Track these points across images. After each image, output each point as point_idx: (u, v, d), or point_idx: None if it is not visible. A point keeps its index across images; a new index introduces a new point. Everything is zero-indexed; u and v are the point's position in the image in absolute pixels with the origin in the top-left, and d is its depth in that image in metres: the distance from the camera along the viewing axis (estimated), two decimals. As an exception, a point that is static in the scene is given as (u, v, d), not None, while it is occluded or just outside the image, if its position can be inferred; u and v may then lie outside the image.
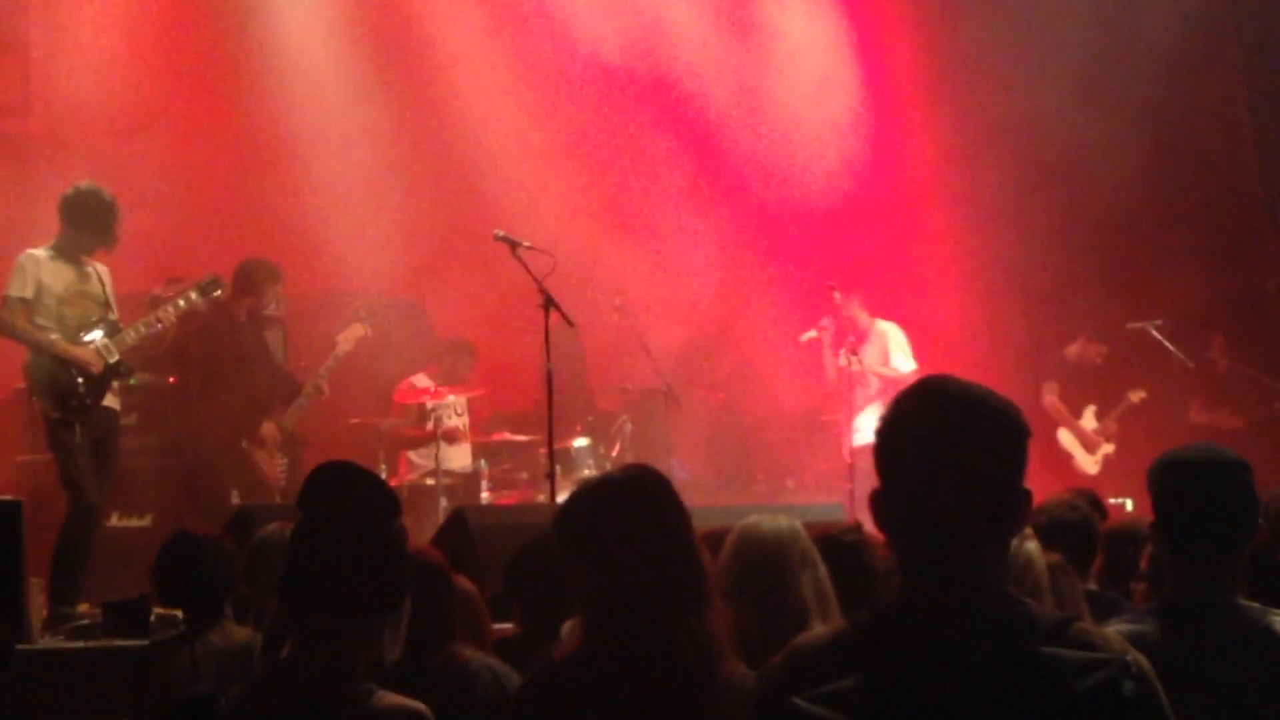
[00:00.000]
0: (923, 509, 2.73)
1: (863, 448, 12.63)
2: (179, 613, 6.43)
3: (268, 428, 11.48)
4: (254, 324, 11.71)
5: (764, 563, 4.57)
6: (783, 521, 4.83)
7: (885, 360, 12.91)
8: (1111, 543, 6.29)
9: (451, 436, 13.19)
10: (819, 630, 2.87)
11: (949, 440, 2.73)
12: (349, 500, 3.62)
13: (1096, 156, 14.55)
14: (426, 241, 14.32)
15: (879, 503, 2.80)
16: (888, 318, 13.35)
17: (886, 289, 14.38)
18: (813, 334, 13.02)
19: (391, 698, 3.54)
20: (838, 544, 5.18)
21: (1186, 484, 4.05)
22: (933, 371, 2.96)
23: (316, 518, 3.62)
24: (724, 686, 3.50)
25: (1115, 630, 3.72)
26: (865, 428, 12.69)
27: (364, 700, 3.51)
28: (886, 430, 2.81)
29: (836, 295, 12.68)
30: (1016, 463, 2.77)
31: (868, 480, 11.27)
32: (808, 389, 13.63)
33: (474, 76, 14.71)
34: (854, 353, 12.46)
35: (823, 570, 4.65)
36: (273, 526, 6.38)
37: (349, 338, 11.96)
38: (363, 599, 3.55)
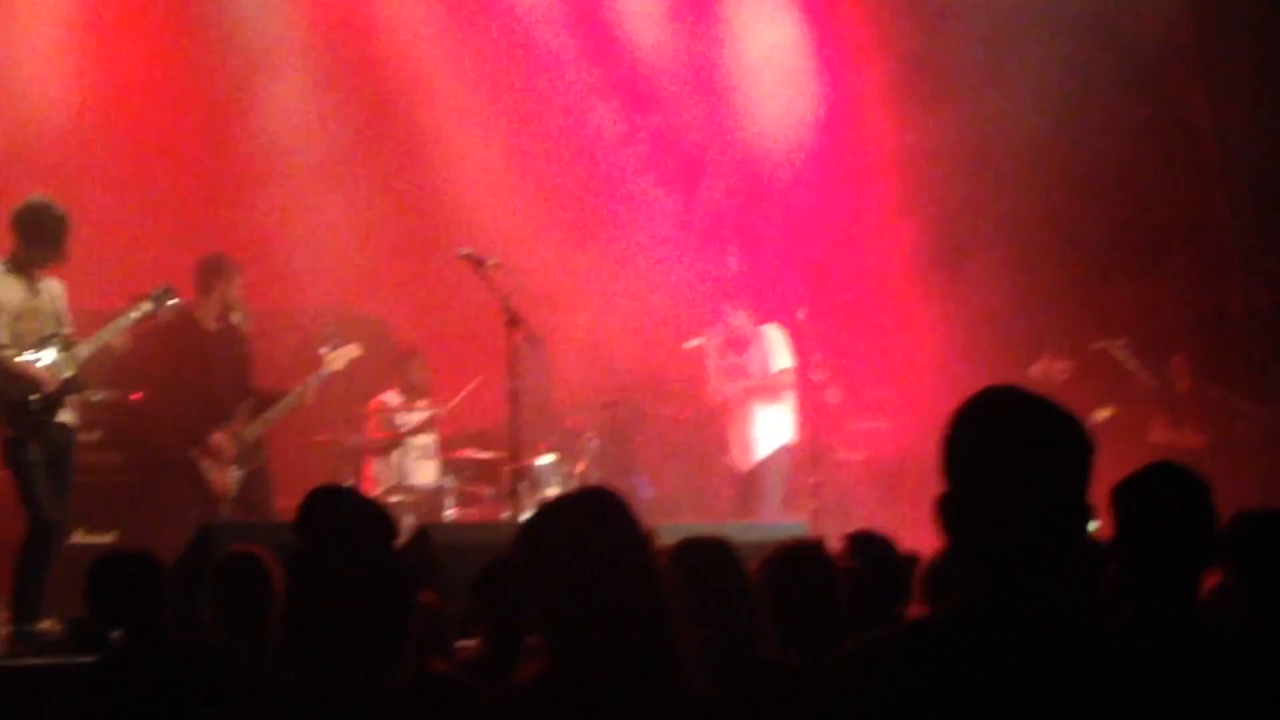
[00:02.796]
0: (1004, 514, 2.74)
1: (765, 460, 12.63)
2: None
3: (218, 438, 11.30)
4: (224, 331, 11.58)
5: (702, 578, 4.61)
6: (717, 538, 4.96)
7: (767, 363, 12.86)
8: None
9: (415, 430, 13.24)
10: (875, 632, 2.86)
11: (1030, 448, 2.75)
12: (348, 525, 3.61)
13: (1058, 175, 14.62)
14: (389, 257, 14.32)
15: (947, 507, 2.81)
16: (846, 334, 13.38)
17: (846, 304, 14.44)
18: (697, 342, 12.99)
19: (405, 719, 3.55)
20: (801, 557, 5.23)
21: (1146, 504, 4.06)
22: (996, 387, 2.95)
23: (317, 545, 3.61)
24: (691, 705, 3.50)
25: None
26: (763, 440, 12.68)
27: None
28: (960, 437, 2.82)
29: (800, 314, 12.69)
30: (1088, 473, 2.79)
31: (774, 495, 11.25)
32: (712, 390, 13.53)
33: (434, 90, 14.73)
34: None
35: (750, 584, 4.74)
36: (236, 548, 6.35)
37: (340, 357, 11.88)
38: (367, 622, 3.54)
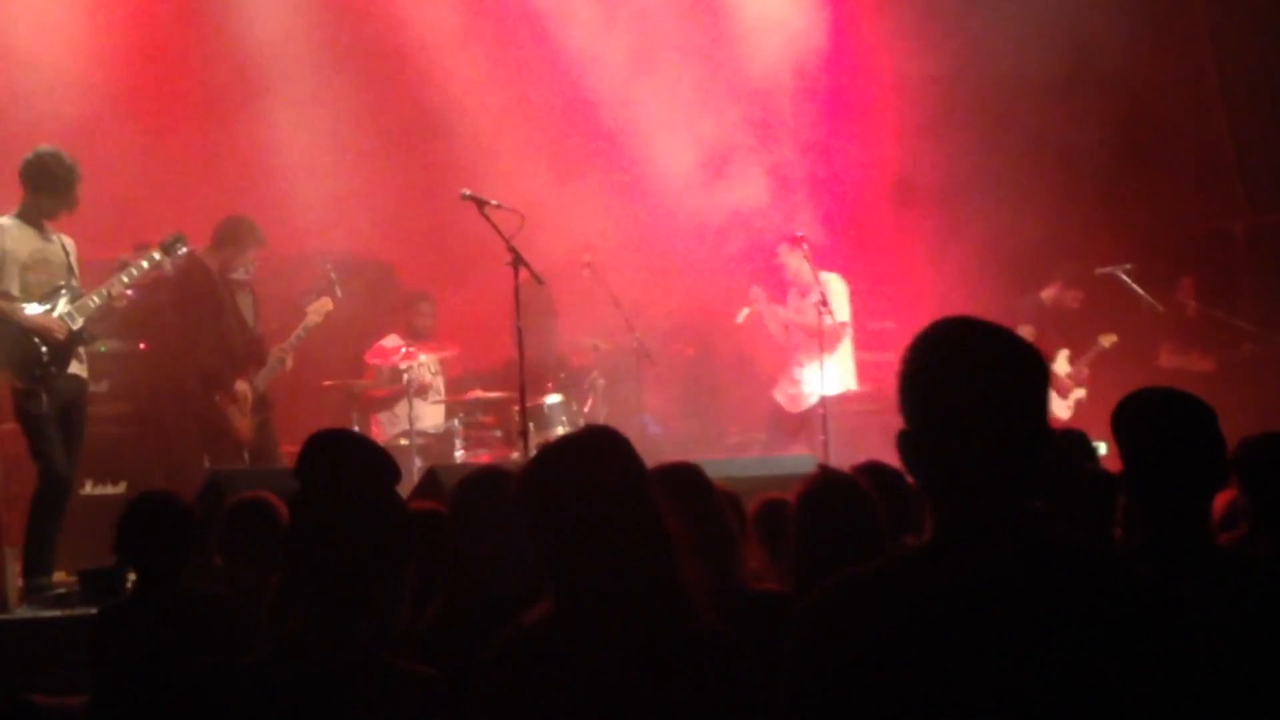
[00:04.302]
0: (959, 447, 2.73)
1: (816, 405, 12.65)
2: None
3: (241, 385, 11.46)
4: (225, 282, 11.64)
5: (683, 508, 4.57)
6: (687, 464, 4.97)
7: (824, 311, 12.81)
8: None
9: (422, 390, 13.24)
10: (860, 566, 2.86)
11: (984, 377, 2.74)
12: (349, 468, 3.61)
13: (1060, 99, 14.53)
14: (394, 201, 14.29)
15: (908, 443, 2.80)
16: (845, 270, 13.34)
17: (847, 235, 14.42)
18: (746, 311, 12.92)
19: (404, 665, 3.57)
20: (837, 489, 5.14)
21: (1151, 430, 4.05)
22: (906, 324, 2.96)
23: (317, 487, 3.61)
24: (697, 642, 3.50)
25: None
26: (814, 380, 12.69)
27: (377, 670, 3.52)
28: (917, 371, 2.80)
29: (805, 248, 12.67)
30: (1044, 399, 2.78)
31: (835, 432, 11.26)
32: (779, 342, 13.54)
33: (437, 33, 14.64)
34: (824, 304, 12.46)
35: (722, 513, 4.70)
36: (245, 494, 6.37)
37: (318, 310, 11.97)
38: (368, 566, 3.54)
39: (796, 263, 12.85)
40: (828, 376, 12.60)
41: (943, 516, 2.77)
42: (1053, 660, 2.62)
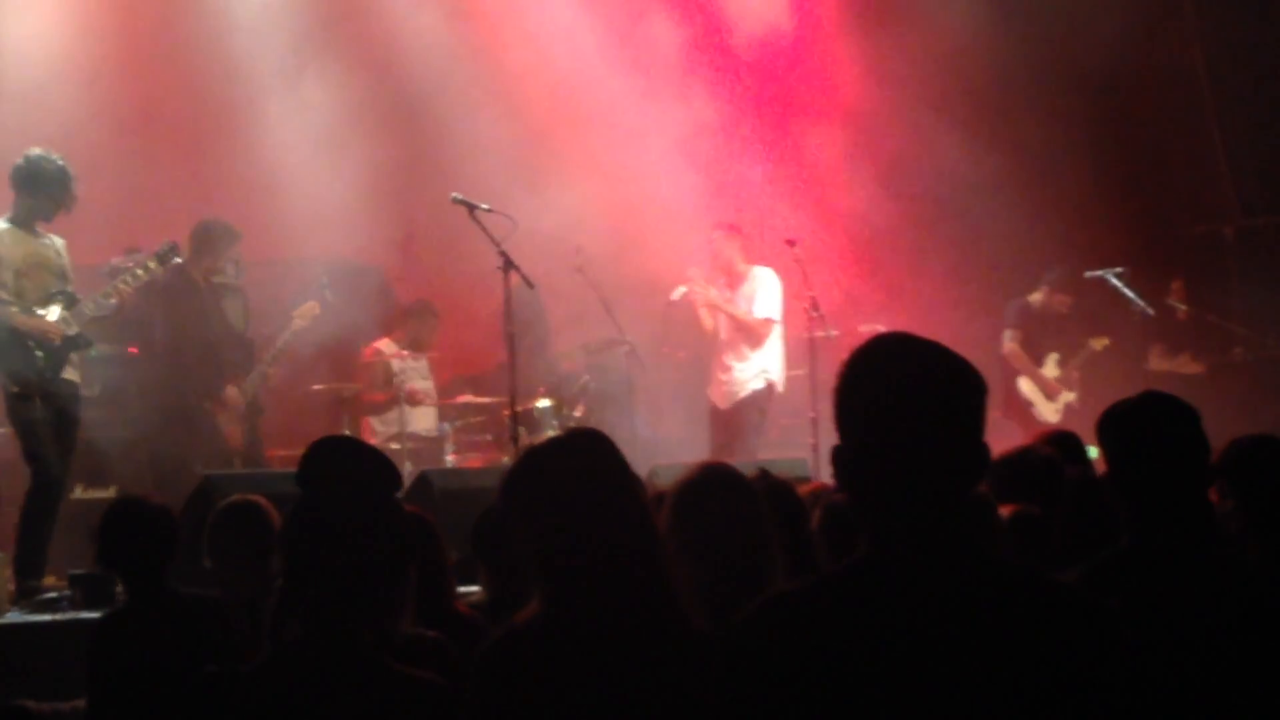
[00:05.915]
0: (890, 464, 2.73)
1: (744, 399, 12.61)
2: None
3: (231, 390, 11.46)
4: (211, 288, 11.64)
5: (710, 515, 4.44)
6: (728, 471, 4.66)
7: (753, 305, 12.66)
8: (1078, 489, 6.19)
9: (415, 398, 13.21)
10: (788, 585, 2.87)
11: (916, 395, 2.74)
12: (351, 475, 3.62)
13: (1049, 101, 14.55)
14: (385, 206, 14.26)
15: (841, 458, 2.81)
16: (834, 271, 13.30)
17: (843, 238, 14.41)
18: (683, 290, 12.80)
19: (406, 670, 3.58)
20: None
21: (1134, 433, 4.06)
22: (887, 330, 2.97)
23: (318, 494, 3.61)
24: (687, 644, 3.50)
25: (1070, 579, 3.75)
26: (745, 380, 12.63)
27: (381, 676, 3.54)
28: (849, 386, 2.80)
29: (796, 250, 12.62)
30: (979, 416, 2.79)
31: (752, 436, 11.20)
32: (705, 328, 13.40)
33: (430, 38, 14.63)
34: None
35: (769, 520, 4.53)
36: (235, 497, 6.36)
37: (304, 314, 11.94)
38: (370, 573, 3.55)
39: (730, 252, 12.76)
40: (753, 371, 12.56)
41: (875, 534, 2.78)
42: (983, 680, 2.63)
